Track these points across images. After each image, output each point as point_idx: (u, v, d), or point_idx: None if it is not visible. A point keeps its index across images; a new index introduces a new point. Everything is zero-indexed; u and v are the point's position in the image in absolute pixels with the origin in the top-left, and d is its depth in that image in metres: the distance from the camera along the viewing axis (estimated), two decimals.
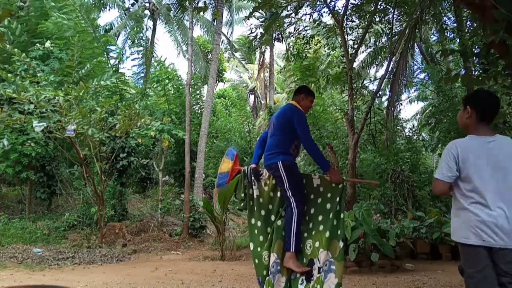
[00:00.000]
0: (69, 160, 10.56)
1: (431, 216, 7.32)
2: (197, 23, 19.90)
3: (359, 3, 8.40)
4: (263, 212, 3.39)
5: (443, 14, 8.79)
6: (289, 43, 11.62)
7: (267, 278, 3.16)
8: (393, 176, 9.55)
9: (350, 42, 9.37)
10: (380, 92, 9.94)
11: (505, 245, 2.04)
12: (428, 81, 12.62)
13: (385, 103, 12.44)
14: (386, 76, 8.69)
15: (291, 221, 3.15)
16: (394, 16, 8.57)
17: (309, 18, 9.39)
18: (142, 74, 17.72)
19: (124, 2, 18.85)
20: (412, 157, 10.46)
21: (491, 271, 2.07)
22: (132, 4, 18.81)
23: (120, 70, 12.24)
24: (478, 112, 2.21)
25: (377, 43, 12.21)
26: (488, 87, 9.39)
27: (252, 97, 26.86)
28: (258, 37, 8.91)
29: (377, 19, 8.83)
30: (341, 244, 3.05)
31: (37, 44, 10.49)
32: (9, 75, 8.04)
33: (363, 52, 12.59)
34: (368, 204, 6.20)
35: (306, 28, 10.26)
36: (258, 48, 16.84)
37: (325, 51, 13.45)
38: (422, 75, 14.85)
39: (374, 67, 15.77)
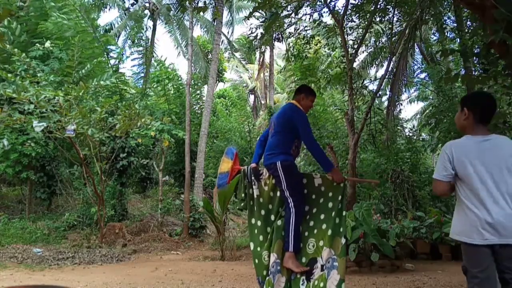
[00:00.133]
0: (69, 160, 10.56)
1: (431, 216, 7.31)
2: (197, 23, 19.90)
3: (359, 3, 8.39)
4: (263, 212, 3.39)
5: (443, 14, 8.78)
6: (289, 44, 11.62)
7: (267, 278, 3.16)
8: (393, 176, 9.54)
9: (350, 42, 9.37)
10: (380, 92, 9.94)
11: (507, 241, 2.07)
12: (428, 81, 12.63)
13: (385, 103, 12.46)
14: (386, 76, 8.69)
15: (289, 221, 3.16)
16: (394, 16, 8.57)
17: (309, 18, 9.40)
18: (142, 74, 17.72)
19: (124, 2, 18.86)
20: (412, 157, 10.46)
21: (493, 271, 2.10)
22: (132, 4, 18.81)
23: (120, 70, 12.25)
24: (475, 114, 2.25)
25: (377, 43, 12.21)
26: (488, 87, 9.41)
27: (252, 97, 26.87)
28: (258, 37, 8.91)
29: (377, 19, 8.82)
30: (343, 240, 3.07)
31: (37, 44, 10.49)
32: (9, 75, 8.04)
33: (363, 52, 12.60)
34: (368, 204, 6.20)
35: (306, 28, 10.26)
36: (258, 48, 16.82)
37: (326, 51, 13.46)
38: (422, 75, 14.86)
39: (374, 67, 15.78)
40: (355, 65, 10.30)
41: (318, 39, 11.00)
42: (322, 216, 3.22)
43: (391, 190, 9.43)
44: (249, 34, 9.49)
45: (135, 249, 8.55)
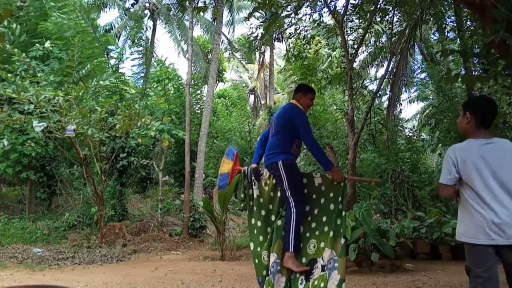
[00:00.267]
0: (69, 160, 10.55)
1: (431, 216, 7.31)
2: (197, 23, 19.89)
3: (359, 2, 8.39)
4: (263, 212, 3.39)
5: (443, 14, 8.78)
6: (289, 44, 11.62)
7: (267, 278, 3.16)
8: (393, 176, 9.54)
9: (350, 42, 9.37)
10: (380, 92, 9.94)
11: None
12: (428, 81, 12.63)
13: (385, 103, 12.46)
14: (386, 76, 8.69)
15: (290, 221, 3.15)
16: (394, 16, 8.57)
17: (309, 19, 9.40)
18: (142, 74, 17.73)
19: (125, 2, 18.84)
20: (412, 157, 10.46)
21: (496, 271, 2.13)
22: (133, 4, 18.77)
23: (120, 70, 12.24)
24: (477, 118, 2.31)
25: (377, 43, 12.21)
26: (488, 87, 9.41)
27: (252, 97, 26.87)
28: (258, 37, 8.91)
29: (378, 19, 8.82)
30: (342, 240, 3.08)
31: (37, 44, 10.48)
32: (9, 75, 8.04)
33: (363, 52, 12.60)
34: (368, 204, 6.20)
35: (306, 29, 10.26)
36: (258, 48, 16.81)
37: (326, 51, 13.46)
38: (422, 75, 14.85)
39: (374, 67, 15.78)
40: (355, 65, 10.30)
41: (318, 39, 11.00)
42: (324, 218, 3.22)
43: (391, 190, 9.43)
44: (249, 34, 9.49)
45: (135, 249, 8.55)
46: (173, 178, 13.97)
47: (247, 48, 23.91)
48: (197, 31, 24.95)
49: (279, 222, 3.28)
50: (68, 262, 7.01)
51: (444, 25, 9.48)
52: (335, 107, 14.02)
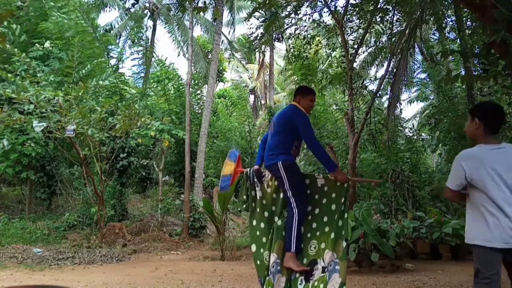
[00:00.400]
0: (69, 160, 10.55)
1: (431, 216, 7.31)
2: (197, 23, 19.90)
3: (358, 3, 8.38)
4: (266, 214, 3.38)
5: (443, 13, 8.78)
6: (289, 45, 11.62)
7: (267, 278, 3.15)
8: (393, 176, 9.54)
9: (350, 42, 9.36)
10: (380, 92, 9.94)
11: None
12: (428, 81, 12.63)
13: (385, 103, 12.46)
14: (386, 76, 8.69)
15: (292, 221, 3.14)
16: (394, 16, 8.56)
17: (309, 19, 9.39)
18: (142, 74, 17.72)
19: (125, 2, 18.84)
20: (412, 157, 10.46)
21: (500, 273, 2.21)
22: (133, 4, 18.75)
23: (120, 70, 12.26)
24: (486, 124, 2.36)
25: (377, 43, 12.21)
26: (488, 87, 9.40)
27: (252, 97, 26.87)
28: (258, 37, 8.90)
29: (378, 19, 8.82)
30: (344, 243, 3.07)
31: (37, 44, 10.48)
32: (9, 75, 8.04)
33: (364, 52, 12.60)
34: (368, 204, 6.20)
35: (307, 29, 10.25)
36: (258, 48, 16.81)
37: (326, 51, 13.45)
38: (422, 75, 14.86)
39: (374, 67, 15.79)
40: (355, 65, 10.30)
41: (318, 40, 11.00)
42: (325, 219, 3.20)
43: (391, 190, 9.43)
44: (249, 34, 9.49)
45: (135, 249, 8.55)
46: (173, 178, 13.97)
47: (247, 48, 23.90)
48: (197, 31, 24.96)
49: (279, 222, 3.27)
50: (68, 262, 7.01)
51: (444, 25, 9.49)
52: (335, 107, 14.02)
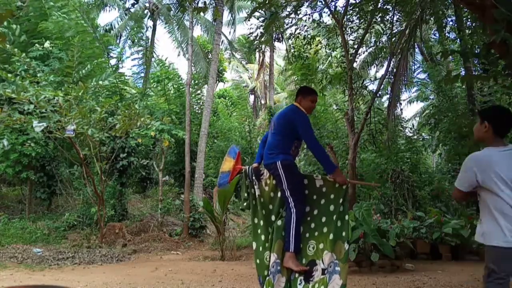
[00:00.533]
0: (69, 160, 10.55)
1: (431, 216, 7.31)
2: (197, 23, 19.90)
3: (358, 2, 8.38)
4: (264, 212, 3.39)
5: (443, 13, 8.78)
6: (289, 45, 11.62)
7: (267, 278, 3.16)
8: (393, 176, 9.53)
9: (350, 42, 9.36)
10: (380, 92, 9.94)
11: None
12: (428, 81, 12.63)
13: (385, 103, 12.46)
14: (386, 76, 8.69)
15: (290, 221, 3.15)
16: (394, 15, 8.56)
17: (309, 19, 9.39)
18: (142, 74, 17.74)
19: (125, 2, 18.85)
20: (412, 157, 10.46)
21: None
22: (133, 4, 18.79)
23: (120, 70, 12.25)
24: (495, 127, 2.40)
25: (377, 43, 12.22)
26: (488, 87, 9.40)
27: (252, 97, 26.88)
28: (258, 37, 8.90)
29: (378, 19, 8.82)
30: (346, 245, 3.05)
31: (37, 45, 10.49)
32: (9, 75, 8.04)
33: (364, 52, 12.61)
34: (368, 204, 6.19)
35: (307, 29, 10.25)
36: (258, 48, 16.81)
37: (326, 51, 13.46)
38: (422, 75, 14.86)
39: (374, 67, 15.78)
40: (355, 65, 10.30)
41: (318, 40, 11.00)
42: (324, 219, 3.20)
43: (391, 190, 9.42)
44: (249, 34, 9.49)
45: (135, 249, 8.55)
46: (173, 178, 13.97)
47: (247, 48, 23.92)
48: (197, 31, 24.97)
49: (279, 222, 3.28)
50: (68, 262, 7.01)
51: (444, 25, 9.49)
52: (335, 107, 14.02)
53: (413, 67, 14.36)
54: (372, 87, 10.64)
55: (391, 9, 8.30)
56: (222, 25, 14.66)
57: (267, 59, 23.54)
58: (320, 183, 3.29)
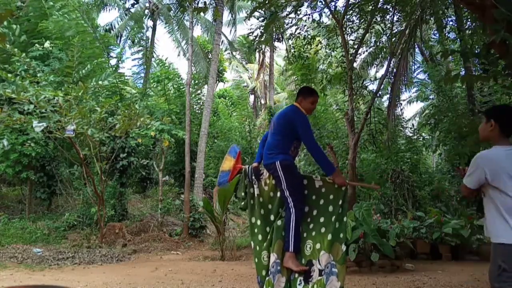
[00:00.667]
0: (69, 160, 10.56)
1: (431, 216, 7.31)
2: (197, 23, 19.90)
3: (358, 2, 8.38)
4: (262, 212, 3.38)
5: (443, 13, 8.78)
6: (290, 45, 11.61)
7: (267, 278, 3.15)
8: (393, 176, 9.54)
9: (350, 42, 9.36)
10: (380, 92, 9.94)
11: None
12: (428, 81, 12.62)
13: (385, 103, 12.45)
14: (386, 76, 8.69)
15: (289, 221, 3.15)
16: (394, 15, 8.56)
17: (309, 19, 9.39)
18: (142, 74, 17.74)
19: (125, 2, 18.85)
20: (412, 157, 10.46)
21: None
22: (133, 4, 18.80)
23: (120, 70, 12.26)
24: (502, 126, 2.41)
25: (377, 43, 12.22)
26: (488, 87, 9.39)
27: (252, 97, 26.87)
28: (258, 37, 8.90)
29: (378, 19, 8.82)
30: (343, 247, 3.04)
31: (37, 45, 10.49)
32: (9, 75, 8.04)
33: (364, 52, 12.59)
34: (368, 204, 6.19)
35: (307, 29, 10.24)
36: (258, 48, 16.82)
37: (326, 51, 13.46)
38: (422, 76, 14.85)
39: (374, 67, 15.78)
40: (355, 65, 10.29)
41: (318, 40, 10.99)
42: (322, 219, 3.19)
43: (391, 190, 9.43)
44: (249, 34, 9.49)
45: (135, 249, 8.55)
46: (173, 178, 13.97)
47: (247, 48, 23.92)
48: (197, 31, 25.01)
49: (279, 222, 3.27)
50: (68, 262, 7.01)
51: (444, 25, 9.49)
52: (335, 107, 14.02)
53: (413, 67, 14.36)
54: (372, 87, 10.64)
55: (391, 9, 8.30)
56: (222, 25, 14.66)
57: (267, 59, 23.53)
58: (319, 184, 3.29)
